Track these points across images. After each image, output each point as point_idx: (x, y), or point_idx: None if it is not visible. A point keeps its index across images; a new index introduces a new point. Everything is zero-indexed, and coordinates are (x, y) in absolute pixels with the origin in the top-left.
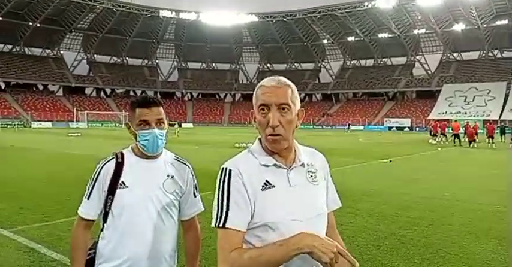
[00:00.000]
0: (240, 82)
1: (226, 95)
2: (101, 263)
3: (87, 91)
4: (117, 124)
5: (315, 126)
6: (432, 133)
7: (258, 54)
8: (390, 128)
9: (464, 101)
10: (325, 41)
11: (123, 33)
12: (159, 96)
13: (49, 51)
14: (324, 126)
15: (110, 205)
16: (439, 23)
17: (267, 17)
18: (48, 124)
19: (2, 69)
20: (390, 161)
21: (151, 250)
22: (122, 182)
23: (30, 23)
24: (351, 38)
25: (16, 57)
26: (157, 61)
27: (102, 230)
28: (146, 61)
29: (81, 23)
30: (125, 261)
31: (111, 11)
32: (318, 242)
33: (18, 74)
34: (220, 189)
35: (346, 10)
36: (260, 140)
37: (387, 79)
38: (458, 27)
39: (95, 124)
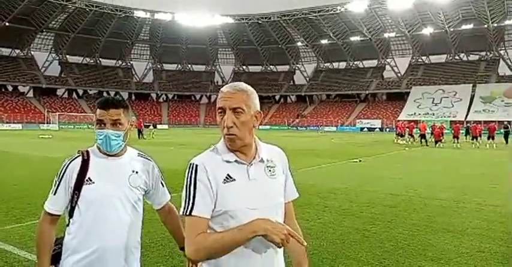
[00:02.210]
0: (216, 83)
1: (202, 96)
2: (68, 255)
3: (59, 92)
4: (89, 126)
5: (289, 127)
6: (398, 133)
7: (233, 56)
8: (362, 129)
9: (432, 102)
10: (299, 44)
11: (96, 34)
12: (133, 97)
13: (19, 51)
14: (298, 127)
15: (77, 201)
16: (408, 27)
17: (242, 19)
18: (18, 126)
19: None
20: (360, 161)
21: (118, 243)
22: (89, 178)
23: None
24: (324, 41)
25: None
26: (131, 62)
27: (68, 225)
28: (120, 62)
29: (53, 22)
30: (92, 253)
31: (84, 10)
32: (271, 226)
33: None
34: (188, 181)
35: (320, 13)
36: None
37: (359, 81)
38: (427, 30)
39: (66, 126)
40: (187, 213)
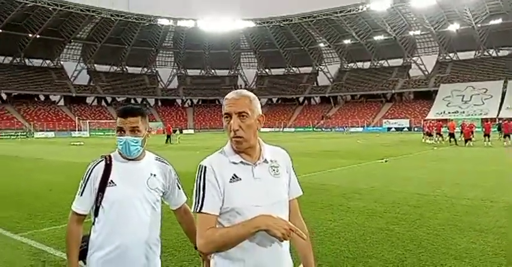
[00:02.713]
0: (239, 87)
1: None
2: (94, 251)
3: (88, 100)
4: None
5: (314, 129)
6: (426, 133)
7: (256, 59)
8: (389, 129)
9: (462, 100)
10: (321, 45)
11: (122, 42)
12: (159, 103)
13: (49, 61)
14: (323, 129)
15: (101, 201)
16: (434, 24)
17: (264, 22)
18: (51, 134)
19: (3, 80)
20: (386, 161)
21: (138, 239)
22: (111, 180)
23: (30, 35)
24: (347, 41)
25: (17, 68)
26: (156, 69)
27: (93, 224)
28: (146, 69)
29: (81, 33)
30: (115, 249)
31: (110, 20)
32: (272, 221)
33: (19, 85)
34: (198, 182)
35: (342, 14)
36: None
37: (384, 81)
38: (453, 27)
39: (96, 133)
40: (198, 210)
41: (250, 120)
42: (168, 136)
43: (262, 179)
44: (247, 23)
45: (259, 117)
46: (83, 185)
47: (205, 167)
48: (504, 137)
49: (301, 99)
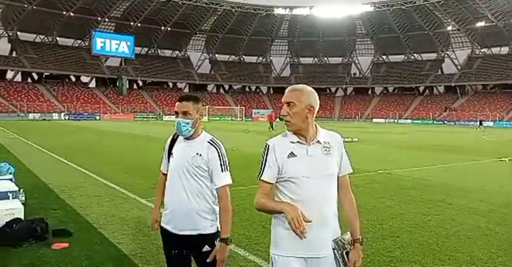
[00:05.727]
0: (353, 75)
1: (337, 89)
2: (164, 208)
3: (209, 87)
4: (233, 118)
5: (435, 122)
6: None
7: (372, 46)
8: None
9: None
10: (449, 28)
11: (241, 33)
12: (271, 91)
13: (177, 52)
14: (445, 122)
15: (167, 168)
16: None
17: (384, 6)
18: None
19: (139, 69)
20: (510, 160)
21: (183, 204)
22: (171, 152)
23: (162, 27)
24: (480, 24)
25: (151, 58)
26: (271, 58)
27: None
28: (261, 58)
29: (205, 25)
30: (167, 209)
31: (230, 12)
32: (290, 209)
33: (152, 73)
34: (262, 156)
35: None
36: None
37: None
38: None
39: (214, 118)
40: (259, 178)
41: (297, 108)
42: (271, 123)
43: (314, 156)
44: (365, 7)
45: (309, 107)
46: (164, 152)
47: (268, 145)
48: None
49: (421, 88)
